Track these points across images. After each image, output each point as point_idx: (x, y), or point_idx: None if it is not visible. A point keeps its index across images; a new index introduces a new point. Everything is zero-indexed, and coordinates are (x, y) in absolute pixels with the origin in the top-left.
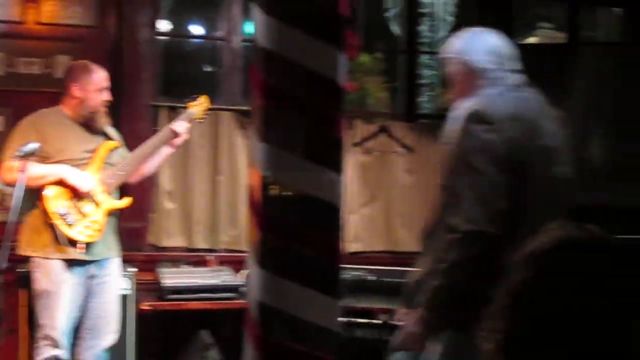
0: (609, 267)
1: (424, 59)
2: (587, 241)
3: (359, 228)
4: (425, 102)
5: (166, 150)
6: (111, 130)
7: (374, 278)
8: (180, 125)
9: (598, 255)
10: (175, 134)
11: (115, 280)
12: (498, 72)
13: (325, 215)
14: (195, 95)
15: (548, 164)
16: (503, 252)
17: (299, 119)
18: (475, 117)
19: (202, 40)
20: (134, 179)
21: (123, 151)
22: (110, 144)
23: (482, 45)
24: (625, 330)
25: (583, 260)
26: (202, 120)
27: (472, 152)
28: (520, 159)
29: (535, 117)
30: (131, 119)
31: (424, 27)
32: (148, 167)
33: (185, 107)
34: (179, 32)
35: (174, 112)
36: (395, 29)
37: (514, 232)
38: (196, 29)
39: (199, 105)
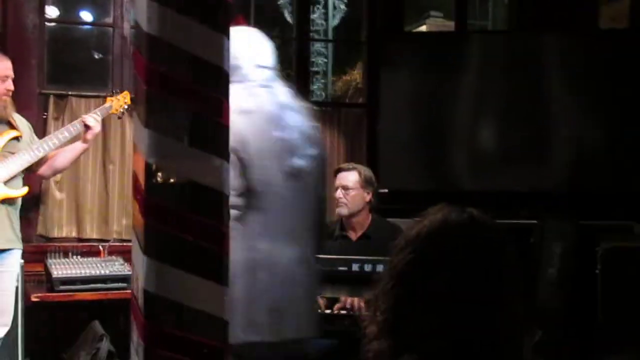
0: (488, 249)
1: (317, 46)
2: (466, 223)
3: None
4: (317, 89)
5: (79, 146)
6: (19, 119)
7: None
8: (92, 118)
9: (477, 237)
10: (87, 127)
11: (13, 273)
12: (247, 69)
13: (212, 202)
14: (117, 90)
15: (285, 155)
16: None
17: (184, 105)
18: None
19: (92, 27)
20: (45, 171)
21: (29, 141)
22: (11, 132)
23: (235, 43)
24: (500, 310)
25: (463, 241)
26: (119, 115)
27: None
28: (248, 150)
29: (276, 110)
30: (18, 107)
31: (316, 15)
32: (60, 161)
33: (103, 99)
34: (67, 18)
35: (62, 100)
36: (287, 16)
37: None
38: (86, 16)
39: (118, 100)
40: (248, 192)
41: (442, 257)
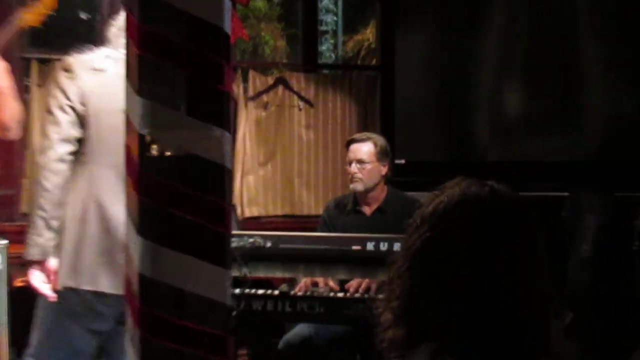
0: (510, 225)
1: (326, 3)
2: (487, 198)
3: (255, 190)
4: (326, 51)
5: None
6: None
7: (270, 245)
8: None
9: (499, 212)
10: None
11: None
12: (116, 34)
13: (212, 177)
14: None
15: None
16: None
17: (180, 70)
18: (61, 66)
19: None
20: None
21: None
22: None
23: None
24: (525, 290)
25: (483, 217)
26: (35, 25)
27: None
28: (89, 105)
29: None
30: None
31: None
32: None
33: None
34: None
35: (46, 66)
36: None
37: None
38: None
39: (32, 11)
40: (83, 146)
41: (461, 235)
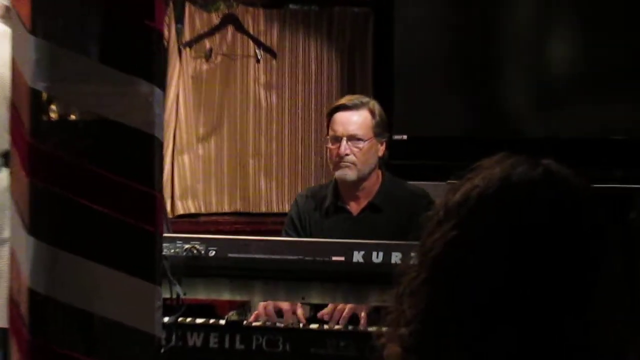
0: (575, 223)
1: None
2: (541, 183)
3: (192, 177)
4: None
5: None
6: None
7: (214, 254)
8: None
9: (558, 204)
10: None
11: None
12: None
13: (137, 153)
14: None
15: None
16: None
17: (91, 0)
18: None
19: None
20: None
21: None
22: None
23: None
24: (595, 320)
25: (535, 211)
26: None
27: None
28: None
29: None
30: None
31: None
32: None
33: None
34: None
35: None
36: None
37: None
38: None
39: None
40: None
41: (502, 236)
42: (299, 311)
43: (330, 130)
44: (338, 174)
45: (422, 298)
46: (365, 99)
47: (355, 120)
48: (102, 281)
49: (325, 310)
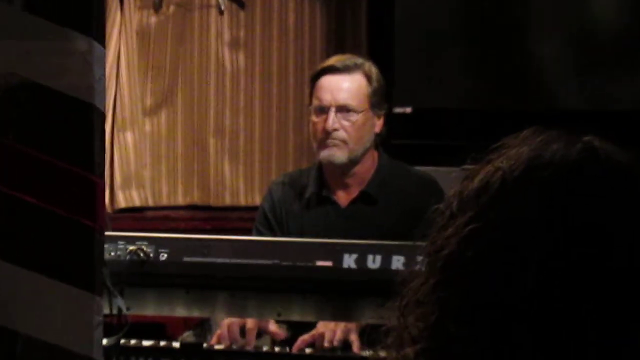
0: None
1: None
2: (584, 162)
3: (136, 160)
4: None
5: None
6: None
7: (165, 257)
8: None
9: (606, 188)
10: None
11: None
12: None
13: (70, 126)
14: None
15: None
16: None
17: None
18: None
19: None
20: None
21: None
22: None
23: None
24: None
25: (577, 198)
26: None
27: None
28: None
29: None
30: None
31: None
32: None
33: None
34: None
35: None
36: None
37: None
38: None
39: None
40: None
41: (533, 229)
42: (272, 328)
43: (314, 99)
44: (323, 154)
45: (432, 309)
46: (359, 60)
47: (347, 86)
48: (26, 291)
49: (306, 336)
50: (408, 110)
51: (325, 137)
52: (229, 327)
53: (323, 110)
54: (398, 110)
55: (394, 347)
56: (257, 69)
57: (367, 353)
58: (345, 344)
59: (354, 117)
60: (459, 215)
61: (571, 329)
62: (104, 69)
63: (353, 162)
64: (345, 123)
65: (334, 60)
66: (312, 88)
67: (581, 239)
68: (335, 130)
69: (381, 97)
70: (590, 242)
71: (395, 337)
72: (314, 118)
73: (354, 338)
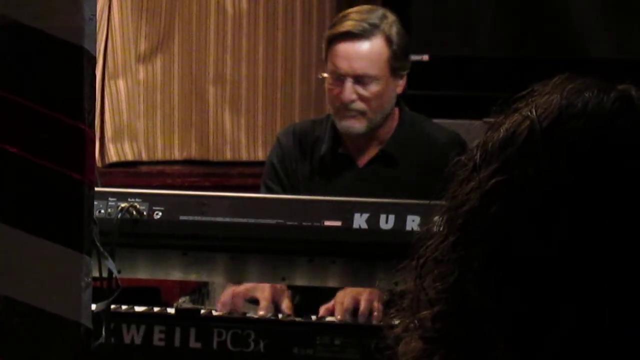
0: None
1: None
2: (619, 113)
3: (129, 111)
4: None
5: None
6: None
7: (160, 216)
8: None
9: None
10: None
11: None
12: None
13: (58, 71)
14: None
15: None
16: None
17: None
18: None
19: None
20: None
21: None
22: None
23: None
24: None
25: (612, 144)
26: None
27: None
28: None
29: None
30: None
31: None
32: None
33: None
34: None
35: None
36: None
37: None
38: None
39: None
40: None
41: (565, 183)
42: (284, 304)
43: (329, 63)
44: (341, 125)
45: (451, 269)
46: (378, 19)
47: (366, 53)
48: (9, 249)
49: (329, 305)
50: (425, 58)
51: (342, 107)
52: (232, 293)
53: (340, 78)
54: (414, 57)
55: (410, 311)
56: (261, 12)
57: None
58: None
59: (374, 87)
60: (482, 167)
61: (612, 285)
62: (95, 9)
63: (373, 129)
64: (364, 93)
65: (350, 24)
66: (327, 49)
67: (616, 194)
68: (353, 101)
69: (403, 59)
70: (626, 196)
71: (411, 300)
72: (329, 82)
73: (376, 306)
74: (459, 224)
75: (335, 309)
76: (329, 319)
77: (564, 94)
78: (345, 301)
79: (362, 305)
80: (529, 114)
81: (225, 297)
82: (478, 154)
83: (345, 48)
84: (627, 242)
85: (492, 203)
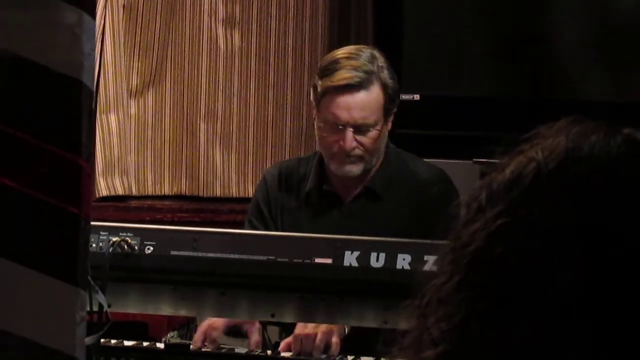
0: None
1: None
2: (624, 157)
3: (120, 146)
4: None
5: None
6: None
7: (150, 251)
8: None
9: None
10: None
11: None
12: None
13: (57, 105)
14: None
15: None
16: None
17: None
18: None
19: None
20: None
21: None
22: None
23: None
24: None
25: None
26: None
27: None
28: None
29: None
30: None
31: None
32: None
33: None
34: None
35: None
36: None
37: None
38: None
39: None
40: None
41: (571, 226)
42: (254, 338)
43: (325, 112)
44: (338, 170)
45: (456, 309)
46: (369, 63)
47: (365, 103)
48: (5, 282)
49: (287, 340)
50: (416, 97)
51: (340, 154)
52: (209, 328)
53: (338, 128)
54: (405, 97)
55: (412, 349)
56: (253, 49)
57: (350, 358)
58: (326, 348)
59: (373, 133)
60: (487, 208)
61: (623, 328)
62: (94, 43)
63: (368, 170)
64: (364, 140)
65: (347, 76)
66: (322, 99)
67: (621, 238)
68: (355, 148)
69: (396, 99)
70: (630, 240)
71: (414, 339)
72: (324, 130)
73: (334, 341)
74: (464, 264)
75: (293, 343)
76: (283, 354)
77: (570, 137)
78: (302, 335)
79: (318, 338)
80: (535, 155)
81: (199, 330)
82: (483, 195)
83: (345, 100)
84: (631, 285)
85: (498, 244)
